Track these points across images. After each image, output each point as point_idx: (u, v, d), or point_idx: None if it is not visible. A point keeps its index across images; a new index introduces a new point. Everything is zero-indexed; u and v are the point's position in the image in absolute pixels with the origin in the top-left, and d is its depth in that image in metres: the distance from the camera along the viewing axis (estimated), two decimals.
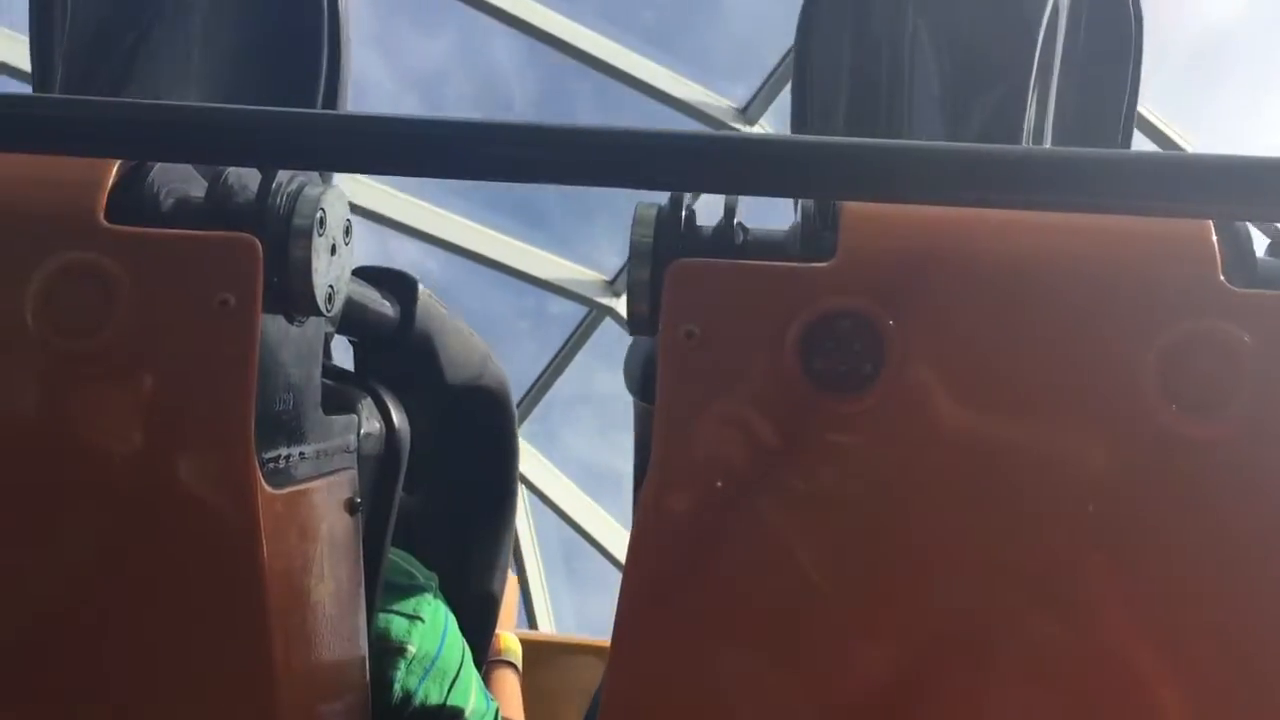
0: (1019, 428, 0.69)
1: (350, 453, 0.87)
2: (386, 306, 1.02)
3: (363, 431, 0.89)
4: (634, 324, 0.73)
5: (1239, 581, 0.67)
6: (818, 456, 0.69)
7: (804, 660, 0.69)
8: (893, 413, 0.68)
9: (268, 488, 0.71)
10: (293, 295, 0.74)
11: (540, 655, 1.32)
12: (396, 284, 1.04)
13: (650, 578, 0.69)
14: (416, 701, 0.93)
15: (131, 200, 0.72)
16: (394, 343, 1.03)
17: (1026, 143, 0.83)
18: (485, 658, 1.17)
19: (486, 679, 1.11)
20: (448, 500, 1.16)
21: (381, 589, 0.92)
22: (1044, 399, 0.69)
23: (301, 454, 0.79)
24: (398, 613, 0.93)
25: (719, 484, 0.69)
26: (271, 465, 0.72)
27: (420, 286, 1.07)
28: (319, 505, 0.79)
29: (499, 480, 1.20)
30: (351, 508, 0.84)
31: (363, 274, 1.04)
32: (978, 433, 0.69)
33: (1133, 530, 0.68)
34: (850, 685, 0.69)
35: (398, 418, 0.95)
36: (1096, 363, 0.68)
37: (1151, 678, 0.67)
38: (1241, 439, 0.67)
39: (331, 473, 0.82)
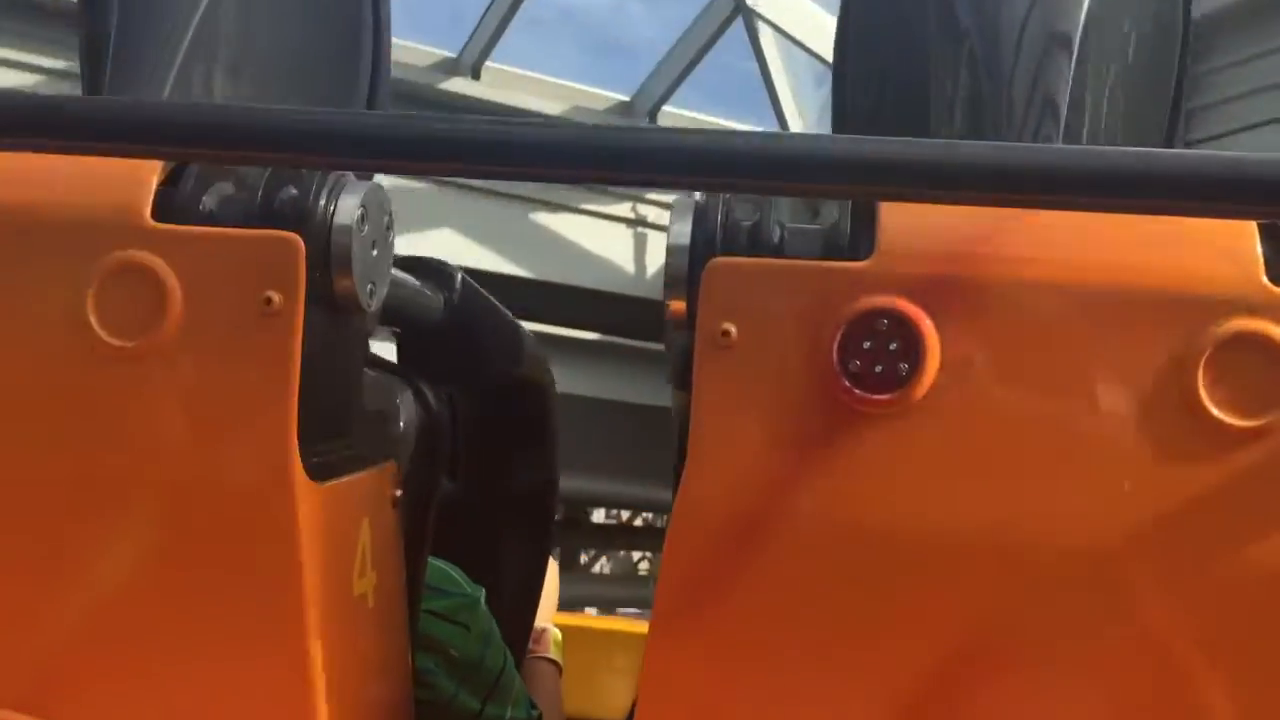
0: (1056, 428, 0.69)
1: (392, 445, 0.88)
2: (427, 296, 1.03)
3: (403, 424, 0.90)
4: (671, 321, 0.74)
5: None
6: (854, 456, 0.69)
7: (842, 663, 0.69)
8: (929, 412, 0.68)
9: (310, 482, 0.72)
10: (336, 292, 0.75)
11: (583, 639, 1.32)
12: (436, 273, 1.04)
13: (687, 576, 0.70)
14: (456, 706, 0.94)
15: (176, 199, 0.74)
16: (434, 333, 1.03)
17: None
18: (524, 651, 1.17)
19: (526, 675, 1.12)
20: (489, 490, 1.16)
21: (424, 587, 0.93)
22: (1082, 399, 0.68)
23: (344, 448, 0.80)
24: (442, 616, 0.94)
25: (755, 484, 0.69)
26: (314, 460, 0.73)
27: (460, 275, 1.07)
28: (361, 499, 0.80)
29: (540, 469, 1.20)
30: (394, 501, 0.85)
31: (402, 264, 1.04)
32: (1015, 432, 0.69)
33: (1174, 528, 0.67)
34: (890, 686, 0.69)
35: (438, 408, 0.96)
36: (1137, 364, 0.68)
37: (1190, 671, 0.67)
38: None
39: (373, 466, 0.83)
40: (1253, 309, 0.67)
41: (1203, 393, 0.67)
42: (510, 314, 1.15)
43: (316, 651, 0.71)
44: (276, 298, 0.71)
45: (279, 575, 0.71)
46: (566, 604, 1.44)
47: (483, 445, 1.09)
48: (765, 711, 0.70)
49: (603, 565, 8.53)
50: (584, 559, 8.06)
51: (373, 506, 0.82)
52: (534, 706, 1.04)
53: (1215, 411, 0.67)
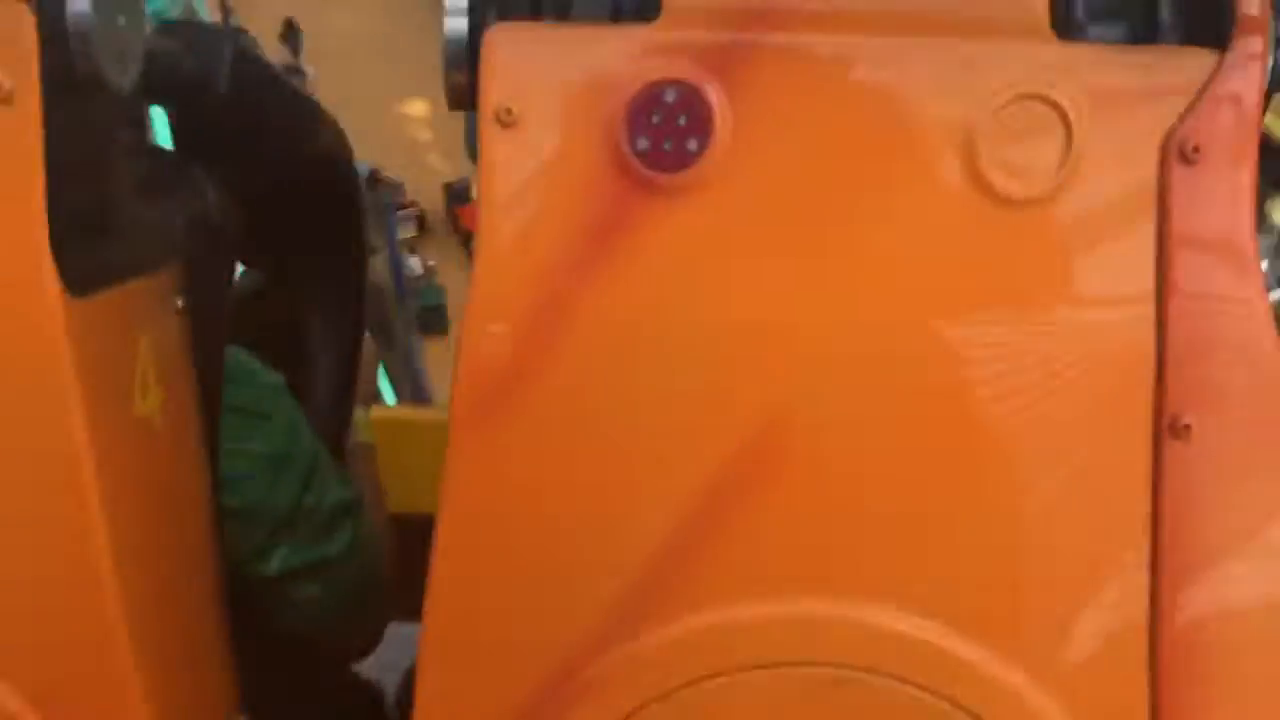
0: (846, 202, 0.68)
1: (172, 245, 0.82)
2: (198, 68, 0.93)
3: (183, 219, 0.84)
4: (452, 97, 0.69)
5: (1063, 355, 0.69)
6: (649, 237, 0.67)
7: (647, 446, 0.70)
8: (721, 188, 0.67)
9: (71, 296, 0.66)
10: (77, 70, 0.67)
11: (402, 433, 1.31)
12: (208, 41, 0.94)
13: (485, 365, 0.68)
14: (271, 504, 0.91)
15: None
16: (211, 110, 0.95)
17: None
18: (344, 442, 1.14)
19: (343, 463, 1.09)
20: (292, 276, 1.11)
21: (222, 392, 0.88)
22: (870, 171, 0.68)
23: (112, 251, 0.74)
24: (241, 410, 0.90)
25: (549, 269, 0.67)
26: (74, 269, 0.67)
27: (238, 40, 0.98)
28: (136, 310, 0.75)
29: (346, 247, 1.15)
30: (178, 309, 0.80)
31: (168, 31, 0.95)
32: (807, 208, 0.68)
33: (961, 297, 0.68)
34: (695, 465, 0.69)
35: (221, 196, 0.89)
36: (923, 131, 0.67)
37: (984, 435, 0.69)
38: (1064, 209, 0.67)
39: (149, 272, 0.77)
40: (1038, 70, 0.66)
41: (984, 161, 0.66)
42: (295, 85, 1.07)
43: (90, 480, 0.67)
44: (7, 82, 0.63)
45: (41, 400, 0.66)
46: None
47: (280, 228, 1.02)
48: (570, 497, 0.70)
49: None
50: None
51: (152, 317, 0.77)
52: (350, 487, 1.03)
53: (998, 182, 0.67)
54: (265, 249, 1.05)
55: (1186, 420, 0.67)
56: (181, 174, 0.86)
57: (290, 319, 1.10)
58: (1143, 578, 0.69)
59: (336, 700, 1.16)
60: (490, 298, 0.68)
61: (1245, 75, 0.68)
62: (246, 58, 0.96)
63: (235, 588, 0.89)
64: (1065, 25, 0.68)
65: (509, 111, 0.66)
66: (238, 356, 0.91)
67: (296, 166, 1.05)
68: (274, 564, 0.92)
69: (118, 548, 0.69)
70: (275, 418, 0.92)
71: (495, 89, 0.66)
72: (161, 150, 0.92)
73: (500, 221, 0.67)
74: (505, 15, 0.68)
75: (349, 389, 1.14)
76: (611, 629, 0.70)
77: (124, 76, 0.71)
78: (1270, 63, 0.69)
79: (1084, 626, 0.70)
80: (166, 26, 0.96)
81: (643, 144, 0.66)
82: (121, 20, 0.70)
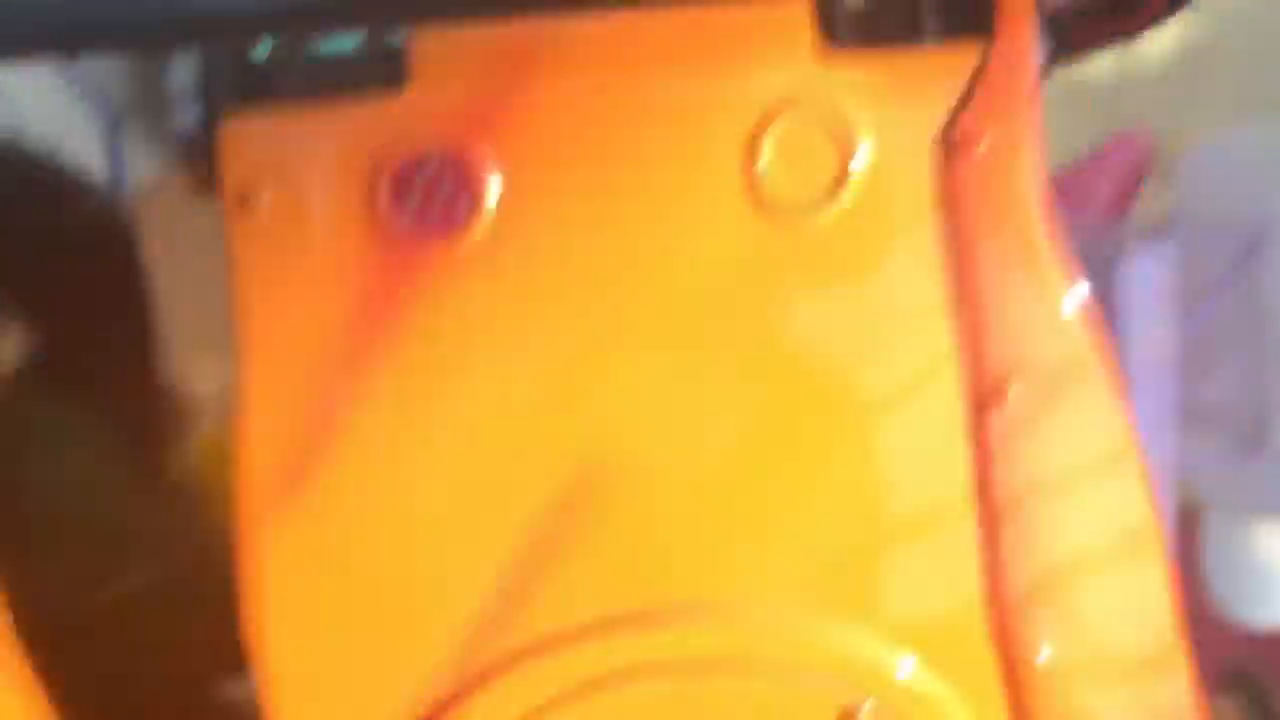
0: (632, 234, 0.66)
1: None
2: None
3: None
4: (196, 188, 0.65)
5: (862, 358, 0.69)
6: (426, 308, 0.64)
7: (448, 513, 0.67)
8: (498, 247, 0.64)
9: None
10: None
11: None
12: None
13: (268, 467, 0.65)
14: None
15: None
16: None
17: None
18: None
19: None
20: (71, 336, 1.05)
21: None
22: (650, 202, 0.66)
23: None
24: None
25: (319, 359, 0.64)
26: None
27: None
28: None
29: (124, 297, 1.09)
30: None
31: None
32: (594, 244, 0.66)
33: (749, 306, 0.67)
34: (503, 523, 0.67)
35: None
36: (698, 157, 0.66)
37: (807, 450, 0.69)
38: (845, 210, 0.67)
39: None
40: (802, 86, 0.66)
41: (760, 174, 0.66)
42: (54, 149, 1.01)
43: None
44: None
45: None
46: None
47: (51, 290, 0.97)
48: (378, 569, 0.67)
49: None
50: None
51: None
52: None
53: (774, 194, 0.66)
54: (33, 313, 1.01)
55: (1002, 389, 0.68)
56: None
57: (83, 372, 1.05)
58: (970, 525, 0.69)
59: None
60: (264, 389, 0.65)
61: (1013, 63, 0.68)
62: None
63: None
64: (828, 37, 0.67)
65: (252, 195, 0.62)
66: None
67: (53, 233, 1.00)
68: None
69: None
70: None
71: (234, 173, 0.63)
72: None
73: (258, 317, 0.64)
74: (239, 100, 0.64)
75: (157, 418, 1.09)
76: (454, 685, 0.68)
77: None
78: (1038, 52, 0.69)
79: (927, 582, 0.70)
80: None
81: (408, 215, 0.63)
82: None
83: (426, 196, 0.63)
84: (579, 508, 0.66)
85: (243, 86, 0.64)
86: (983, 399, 0.68)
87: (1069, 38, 0.78)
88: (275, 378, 0.64)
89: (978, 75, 0.67)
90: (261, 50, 0.66)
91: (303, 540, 0.66)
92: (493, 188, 0.64)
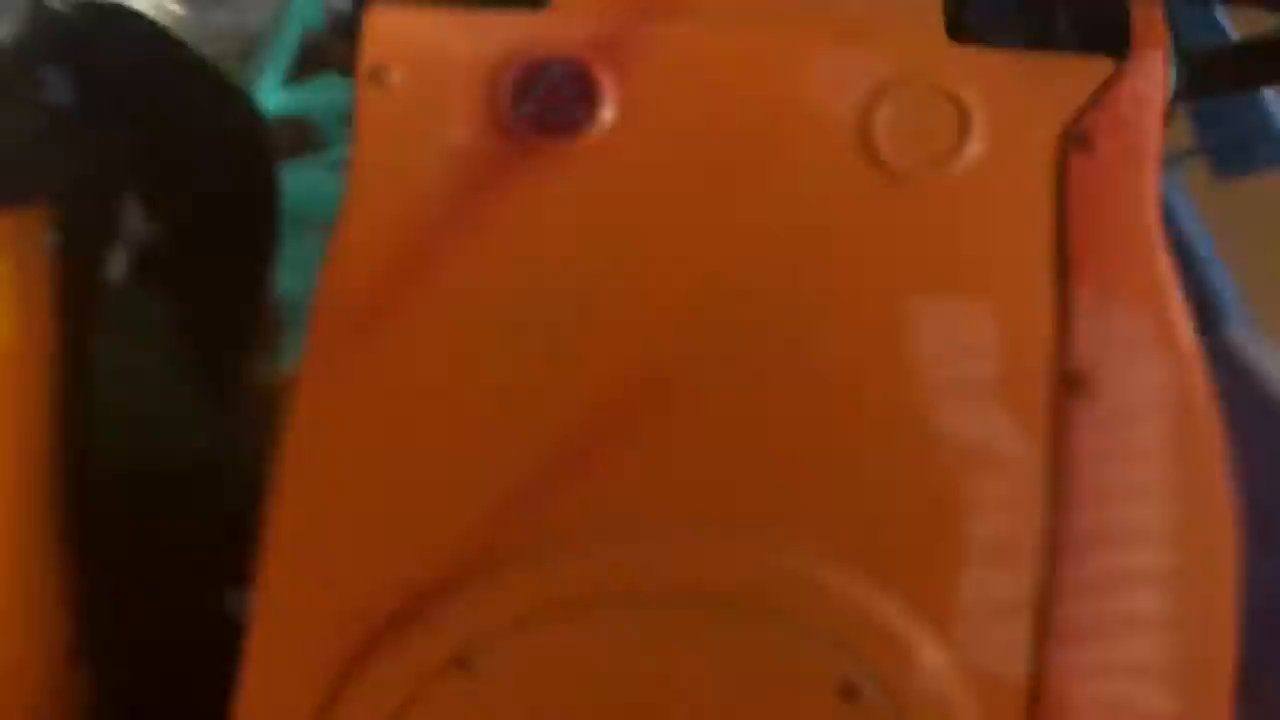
0: (735, 174, 0.68)
1: (46, 187, 0.82)
2: (103, 35, 0.93)
3: (60, 167, 0.84)
4: (339, 63, 0.69)
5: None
6: (526, 200, 0.67)
7: (510, 399, 0.68)
8: (603, 158, 0.67)
9: None
10: None
11: None
12: (113, 13, 0.95)
13: (344, 313, 0.67)
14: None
15: None
16: (114, 75, 0.95)
17: None
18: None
19: None
20: (196, 240, 1.11)
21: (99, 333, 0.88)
22: (760, 147, 0.68)
23: None
24: None
25: (418, 224, 0.67)
26: None
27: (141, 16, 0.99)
28: None
29: (254, 223, 1.14)
30: (46, 244, 0.81)
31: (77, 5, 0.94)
32: (694, 178, 0.68)
33: (848, 263, 0.69)
34: (552, 416, 0.68)
35: (112, 153, 0.90)
36: (816, 112, 0.68)
37: (862, 394, 0.69)
38: (959, 188, 0.68)
39: (16, 204, 0.79)
40: (930, 62, 0.68)
41: (878, 138, 0.67)
42: (211, 62, 1.06)
43: None
44: None
45: None
46: None
47: (186, 196, 1.02)
48: (422, 434, 0.68)
49: None
50: None
51: (14, 247, 0.78)
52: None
53: (890, 158, 0.67)
54: (167, 216, 1.06)
55: (1088, 376, 0.68)
56: (70, 130, 0.86)
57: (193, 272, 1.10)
58: (1036, 526, 0.68)
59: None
60: (355, 241, 0.67)
61: (1146, 80, 0.69)
62: (148, 28, 0.97)
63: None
64: (961, 33, 0.69)
65: (384, 71, 0.66)
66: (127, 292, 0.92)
67: (204, 136, 1.05)
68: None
69: None
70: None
71: (371, 50, 0.66)
72: (56, 106, 0.92)
73: (370, 172, 0.67)
74: None
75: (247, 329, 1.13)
76: (461, 564, 0.68)
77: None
78: (1170, 76, 0.70)
79: (972, 571, 0.69)
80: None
81: (527, 109, 0.66)
82: None
83: (546, 100, 0.66)
84: (624, 418, 0.67)
85: None
86: (1069, 385, 0.68)
87: (1211, 74, 0.79)
88: (374, 231, 0.67)
89: (1106, 88, 0.69)
90: None
91: (355, 384, 0.67)
92: (608, 105, 0.66)
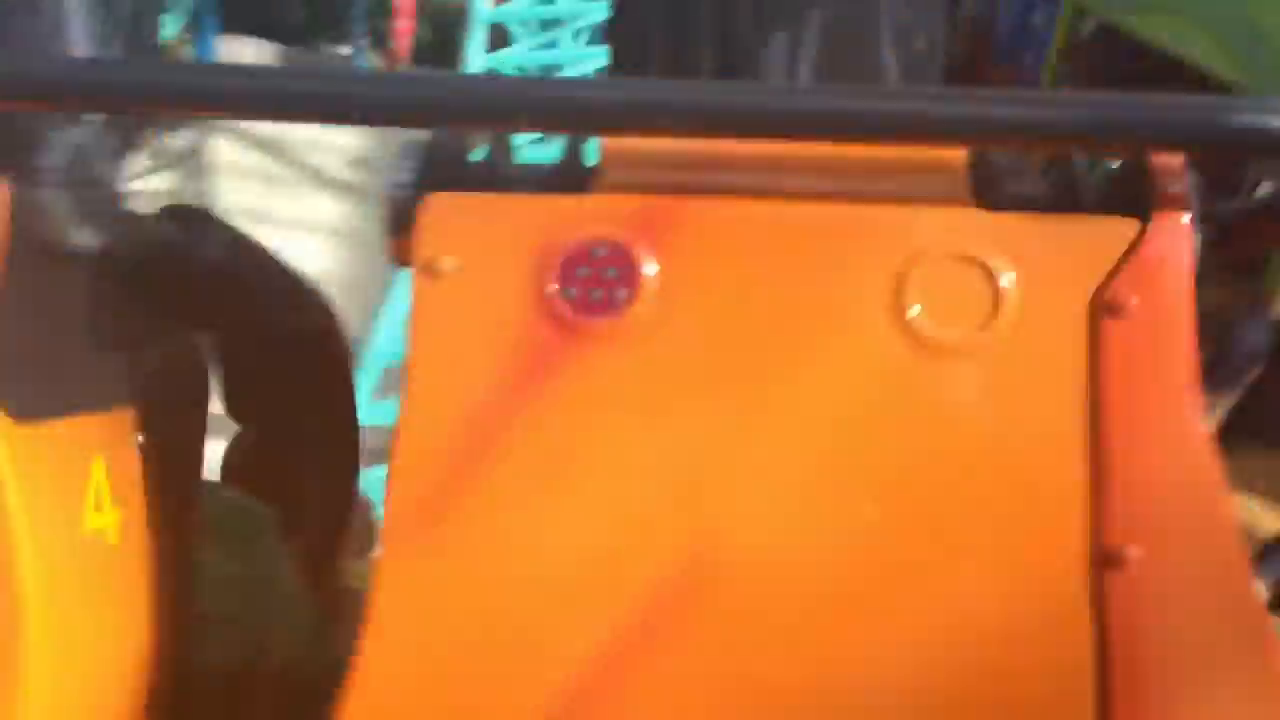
0: (772, 348, 0.71)
1: (132, 387, 0.85)
2: (182, 243, 0.99)
3: (149, 368, 0.88)
4: (391, 258, 0.73)
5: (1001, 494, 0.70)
6: (577, 381, 0.70)
7: (573, 582, 0.70)
8: (648, 335, 0.70)
9: (14, 422, 0.70)
10: (36, 236, 0.72)
11: None
12: (193, 220, 1.01)
13: (414, 505, 0.70)
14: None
15: None
16: (196, 280, 1.00)
17: None
18: (329, 585, 1.15)
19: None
20: (283, 434, 1.14)
21: (199, 523, 0.91)
22: (797, 321, 0.71)
23: (64, 388, 0.77)
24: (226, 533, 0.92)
25: (476, 413, 0.70)
26: (17, 400, 0.71)
27: (218, 219, 1.05)
28: (91, 436, 0.79)
29: (333, 413, 1.18)
30: (138, 441, 0.84)
31: (157, 210, 1.01)
32: (734, 352, 0.71)
33: (884, 434, 0.70)
34: (620, 599, 0.70)
35: (195, 353, 0.94)
36: (850, 287, 0.70)
37: (909, 572, 0.69)
38: (992, 359, 0.70)
39: (104, 407, 0.81)
40: (960, 231, 0.70)
41: (912, 312, 0.69)
42: (284, 261, 1.12)
43: (27, 584, 0.71)
44: None
45: None
46: None
47: (264, 392, 1.06)
48: (497, 628, 0.70)
49: None
50: None
51: (108, 445, 0.81)
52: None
53: (925, 329, 0.69)
54: (250, 410, 1.09)
55: (1125, 552, 0.68)
56: (154, 327, 0.91)
57: (281, 472, 1.13)
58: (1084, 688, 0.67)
59: None
60: (420, 431, 0.70)
61: (1172, 241, 0.70)
62: (229, 233, 1.02)
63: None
64: (987, 198, 0.72)
65: (437, 261, 0.70)
66: (221, 492, 0.94)
67: (279, 338, 1.10)
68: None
69: (52, 644, 0.72)
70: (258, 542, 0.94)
71: (426, 244, 0.70)
72: (137, 304, 0.97)
73: (428, 360, 0.70)
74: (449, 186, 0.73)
75: (337, 533, 1.15)
76: None
77: (84, 246, 0.76)
78: (1195, 237, 0.71)
79: None
80: (163, 208, 1.03)
81: (573, 292, 0.70)
82: (92, 194, 0.76)
83: (591, 281, 0.70)
84: (684, 594, 0.69)
85: (457, 177, 0.73)
86: (1104, 558, 0.68)
87: (1230, 233, 0.81)
88: (433, 423, 0.70)
89: (1133, 246, 0.70)
90: (479, 152, 0.76)
91: (429, 574, 0.70)
92: (651, 283, 0.70)
